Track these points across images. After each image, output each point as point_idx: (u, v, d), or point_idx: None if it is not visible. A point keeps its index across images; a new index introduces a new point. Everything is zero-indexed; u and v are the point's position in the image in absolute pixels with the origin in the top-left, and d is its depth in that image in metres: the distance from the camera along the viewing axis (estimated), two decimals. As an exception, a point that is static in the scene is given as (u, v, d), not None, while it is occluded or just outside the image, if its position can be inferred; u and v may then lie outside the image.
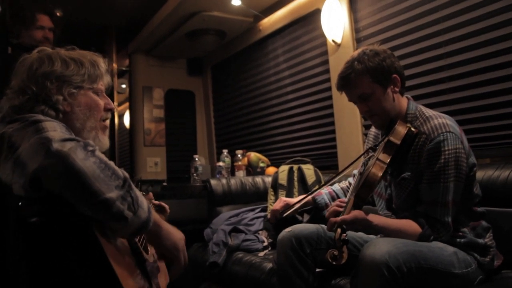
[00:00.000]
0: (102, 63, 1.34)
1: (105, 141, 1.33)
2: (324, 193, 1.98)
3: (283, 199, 2.00)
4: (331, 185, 2.05)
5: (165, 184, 3.89)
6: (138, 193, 1.08)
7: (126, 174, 1.07)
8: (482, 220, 1.69)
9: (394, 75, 1.70)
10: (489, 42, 2.18)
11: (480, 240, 1.64)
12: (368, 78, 1.68)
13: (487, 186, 1.85)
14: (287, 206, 1.95)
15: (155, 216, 1.16)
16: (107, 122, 1.36)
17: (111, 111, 1.36)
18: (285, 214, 1.92)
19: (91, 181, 0.97)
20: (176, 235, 1.24)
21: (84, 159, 0.98)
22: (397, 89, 1.72)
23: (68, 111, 1.24)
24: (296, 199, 1.99)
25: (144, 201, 1.09)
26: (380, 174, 1.51)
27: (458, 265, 1.52)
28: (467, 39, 2.27)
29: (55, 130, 1.05)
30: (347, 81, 1.71)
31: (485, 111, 2.23)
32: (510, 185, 1.82)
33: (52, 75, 1.22)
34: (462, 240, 1.62)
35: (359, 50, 1.74)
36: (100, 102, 1.32)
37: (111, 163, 1.05)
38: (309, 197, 1.95)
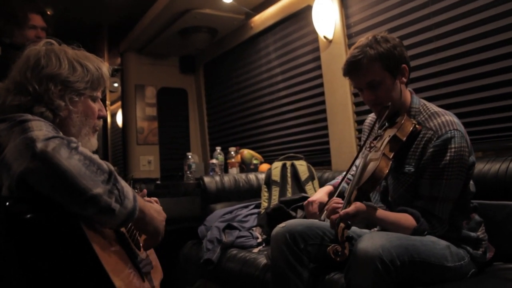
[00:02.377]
0: (106, 70, 1.34)
1: (94, 142, 1.34)
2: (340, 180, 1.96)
3: (312, 201, 1.79)
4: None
5: (158, 182, 3.88)
6: (123, 183, 1.09)
7: (111, 167, 1.07)
8: (474, 214, 1.70)
9: (404, 65, 1.67)
10: (480, 36, 2.19)
11: (473, 234, 1.65)
12: (379, 64, 1.62)
13: (479, 179, 1.86)
14: (322, 205, 1.75)
15: (140, 202, 1.17)
16: (98, 127, 1.36)
17: (103, 118, 1.37)
18: (323, 217, 1.69)
19: (77, 180, 0.98)
20: (158, 218, 1.26)
21: (68, 158, 0.98)
22: (404, 80, 1.69)
23: (66, 117, 1.23)
24: (323, 195, 1.83)
25: (129, 191, 1.10)
26: (387, 170, 1.51)
27: (451, 258, 1.53)
28: (458, 34, 2.28)
29: (40, 129, 1.04)
30: (358, 66, 1.64)
31: (477, 105, 2.25)
32: (501, 178, 1.83)
33: (57, 78, 1.21)
34: (456, 234, 1.63)
35: (369, 36, 1.68)
36: (96, 109, 1.32)
37: (95, 157, 1.06)
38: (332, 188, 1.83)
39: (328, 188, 1.90)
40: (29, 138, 1.00)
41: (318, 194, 1.85)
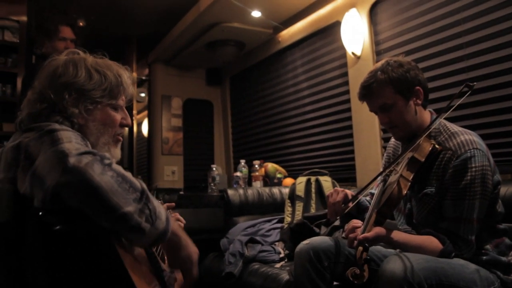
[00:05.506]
0: (127, 78, 1.32)
1: (117, 153, 1.31)
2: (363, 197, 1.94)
3: (339, 190, 1.77)
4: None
5: (181, 192, 3.91)
6: (156, 203, 1.07)
7: (144, 185, 1.06)
8: (504, 237, 1.66)
9: (417, 87, 1.68)
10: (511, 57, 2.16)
11: (503, 258, 1.60)
12: (390, 88, 1.66)
13: (510, 202, 1.81)
14: (347, 199, 1.74)
15: (174, 226, 1.14)
16: (121, 136, 1.34)
17: (127, 126, 1.35)
18: (347, 210, 1.70)
19: (109, 196, 0.97)
20: (193, 247, 1.21)
21: (101, 174, 0.98)
22: (419, 102, 1.70)
23: (83, 125, 1.22)
24: (349, 193, 1.78)
25: (162, 212, 1.08)
26: (405, 191, 1.49)
27: (480, 283, 1.48)
28: (489, 53, 2.25)
29: (70, 141, 1.04)
30: (369, 90, 1.70)
31: (507, 126, 2.21)
32: (533, 202, 1.78)
33: (72, 86, 1.21)
34: (485, 257, 1.59)
35: (383, 60, 1.72)
36: (117, 117, 1.30)
37: (128, 174, 1.05)
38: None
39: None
40: (60, 151, 1.00)
41: (345, 190, 1.82)
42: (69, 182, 0.96)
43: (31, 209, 1.00)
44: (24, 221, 1.05)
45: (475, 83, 1.61)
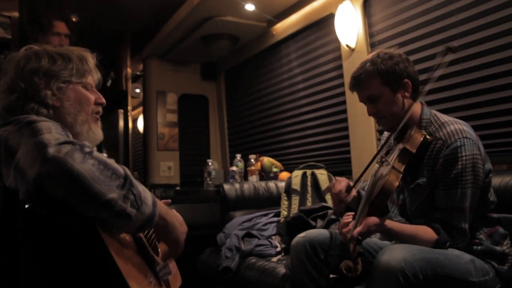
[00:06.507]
0: (90, 58, 1.34)
1: (99, 132, 1.33)
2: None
3: (341, 179, 1.80)
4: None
5: (178, 188, 3.90)
6: (142, 188, 1.07)
7: (127, 171, 1.06)
8: (498, 226, 1.66)
9: (406, 80, 1.69)
10: (506, 47, 2.15)
11: (498, 248, 1.61)
12: (378, 80, 1.68)
13: (504, 192, 1.82)
14: (349, 187, 1.76)
15: (162, 209, 1.14)
16: (98, 115, 1.36)
17: (102, 105, 1.36)
18: (351, 198, 1.74)
19: (91, 184, 0.97)
20: (180, 229, 1.23)
21: (81, 162, 0.97)
22: (407, 94, 1.71)
23: (58, 106, 1.23)
24: (348, 182, 1.81)
25: (148, 197, 1.08)
26: (397, 183, 1.50)
27: (475, 273, 1.49)
28: (483, 44, 2.25)
29: (50, 132, 1.04)
30: (358, 81, 1.73)
31: (501, 117, 2.21)
32: (528, 192, 1.79)
33: (39, 70, 1.23)
34: (479, 247, 1.59)
35: (374, 52, 1.75)
36: (90, 96, 1.32)
37: (111, 161, 1.04)
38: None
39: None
40: (40, 142, 0.99)
41: (346, 179, 1.84)
42: (49, 173, 0.96)
43: (18, 202, 1.00)
44: (13, 215, 1.05)
45: (456, 45, 1.61)
